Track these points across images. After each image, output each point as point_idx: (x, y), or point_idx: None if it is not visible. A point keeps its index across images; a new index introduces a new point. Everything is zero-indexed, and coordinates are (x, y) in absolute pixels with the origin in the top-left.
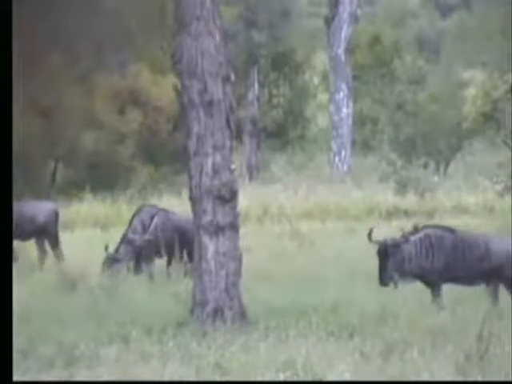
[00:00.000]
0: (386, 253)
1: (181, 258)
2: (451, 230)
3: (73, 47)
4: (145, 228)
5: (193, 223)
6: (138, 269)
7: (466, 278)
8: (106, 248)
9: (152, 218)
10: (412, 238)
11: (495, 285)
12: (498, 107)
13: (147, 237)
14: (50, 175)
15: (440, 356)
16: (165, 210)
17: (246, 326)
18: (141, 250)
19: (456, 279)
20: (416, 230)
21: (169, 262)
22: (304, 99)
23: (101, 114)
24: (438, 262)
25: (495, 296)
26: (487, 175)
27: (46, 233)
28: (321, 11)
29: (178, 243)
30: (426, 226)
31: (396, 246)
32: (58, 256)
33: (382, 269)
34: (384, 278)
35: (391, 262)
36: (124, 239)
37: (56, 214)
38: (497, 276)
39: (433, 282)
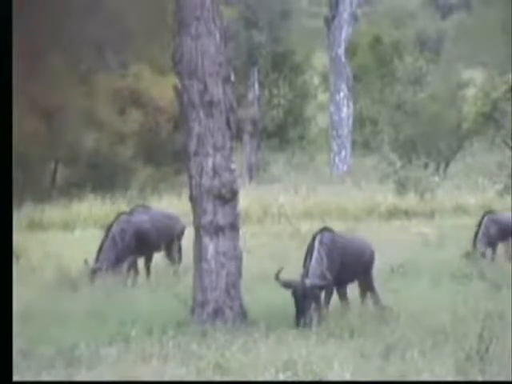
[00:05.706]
0: (305, 295)
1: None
2: (333, 231)
3: (73, 48)
4: (115, 242)
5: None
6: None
7: (352, 276)
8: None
9: (109, 229)
10: (314, 255)
11: (362, 282)
12: (498, 107)
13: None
14: (51, 175)
15: (440, 356)
16: (128, 213)
17: (247, 326)
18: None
19: (352, 277)
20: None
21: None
22: (304, 99)
23: (101, 114)
24: (338, 263)
25: (364, 294)
26: (487, 175)
27: None
28: (321, 11)
29: (139, 247)
30: (315, 234)
31: (317, 287)
32: None
33: (301, 312)
34: (303, 322)
35: (309, 302)
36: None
37: None
38: (364, 273)
39: (341, 285)
